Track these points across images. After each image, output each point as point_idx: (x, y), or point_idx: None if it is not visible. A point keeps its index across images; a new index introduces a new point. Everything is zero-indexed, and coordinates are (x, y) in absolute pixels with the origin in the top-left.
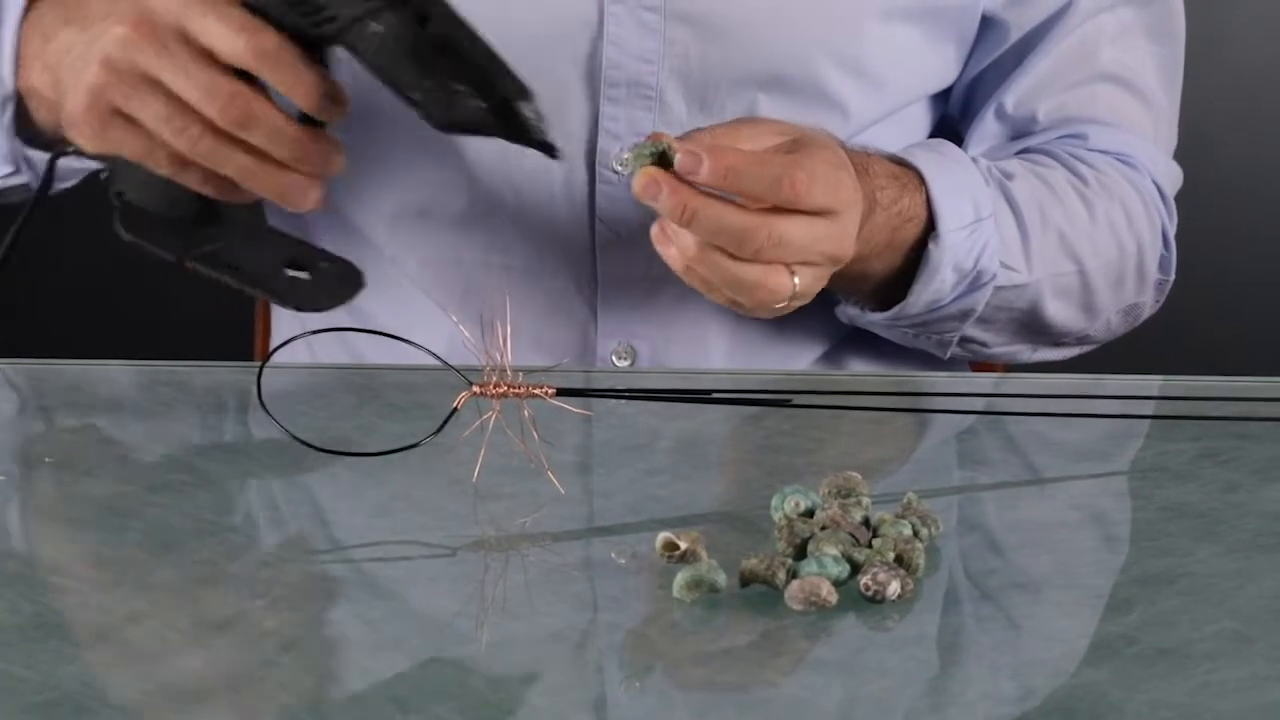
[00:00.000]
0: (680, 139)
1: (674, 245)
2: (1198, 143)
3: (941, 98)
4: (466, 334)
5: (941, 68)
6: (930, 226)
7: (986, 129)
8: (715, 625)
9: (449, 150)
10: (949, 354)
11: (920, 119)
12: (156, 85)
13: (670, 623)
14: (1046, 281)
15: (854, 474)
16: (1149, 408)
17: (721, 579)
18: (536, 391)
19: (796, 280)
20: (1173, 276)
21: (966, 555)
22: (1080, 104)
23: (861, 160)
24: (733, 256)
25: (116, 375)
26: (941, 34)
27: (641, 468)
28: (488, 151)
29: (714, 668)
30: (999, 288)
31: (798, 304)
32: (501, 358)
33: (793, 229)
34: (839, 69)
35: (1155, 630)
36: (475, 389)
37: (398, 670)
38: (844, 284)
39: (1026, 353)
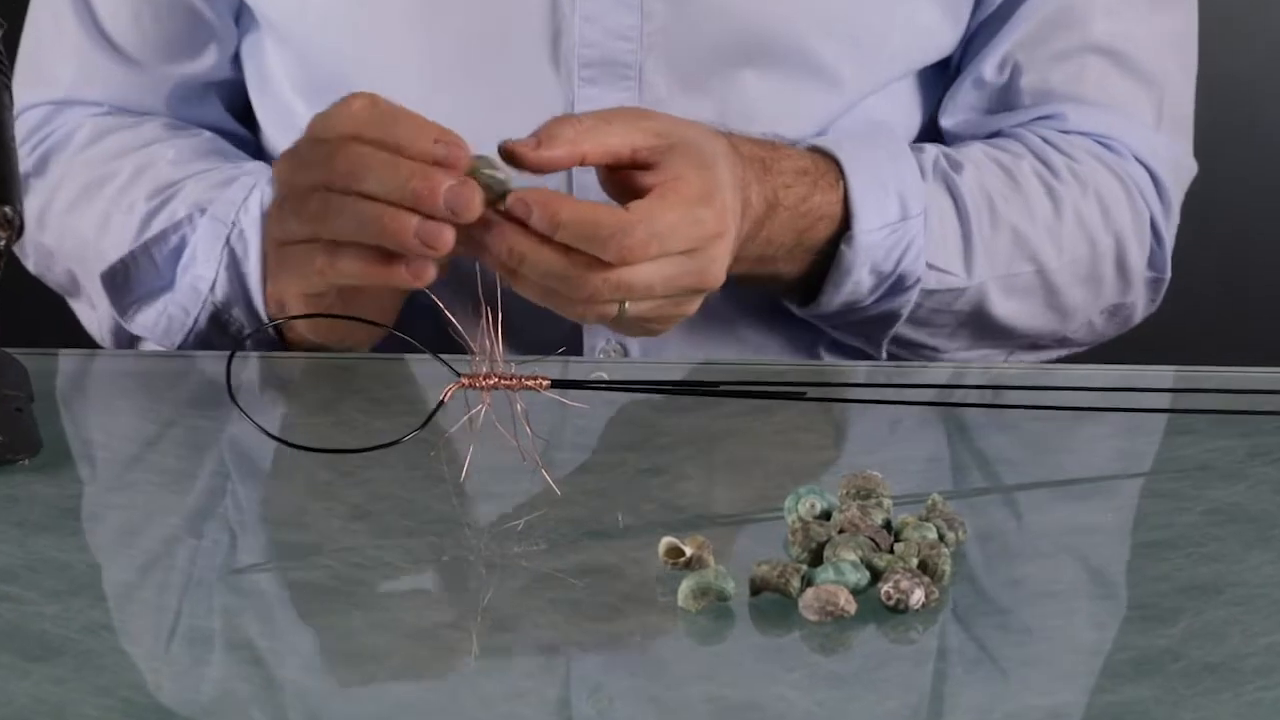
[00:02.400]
0: (542, 129)
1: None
2: (1244, 132)
3: (939, 72)
4: (455, 322)
5: (936, 34)
6: (846, 225)
7: (962, 99)
8: (724, 637)
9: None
10: (882, 355)
11: (912, 94)
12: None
13: (675, 634)
14: (994, 283)
15: (874, 473)
16: (1194, 401)
17: (730, 587)
18: (529, 383)
19: (628, 307)
20: (1168, 274)
21: (995, 561)
22: (1066, 79)
23: (765, 154)
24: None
25: (72, 365)
26: None
27: (643, 466)
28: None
29: (722, 682)
30: (930, 291)
31: (662, 329)
32: (491, 347)
33: (637, 274)
34: (830, 37)
35: (1202, 643)
36: (463, 380)
37: (381, 686)
38: (757, 283)
39: (999, 356)
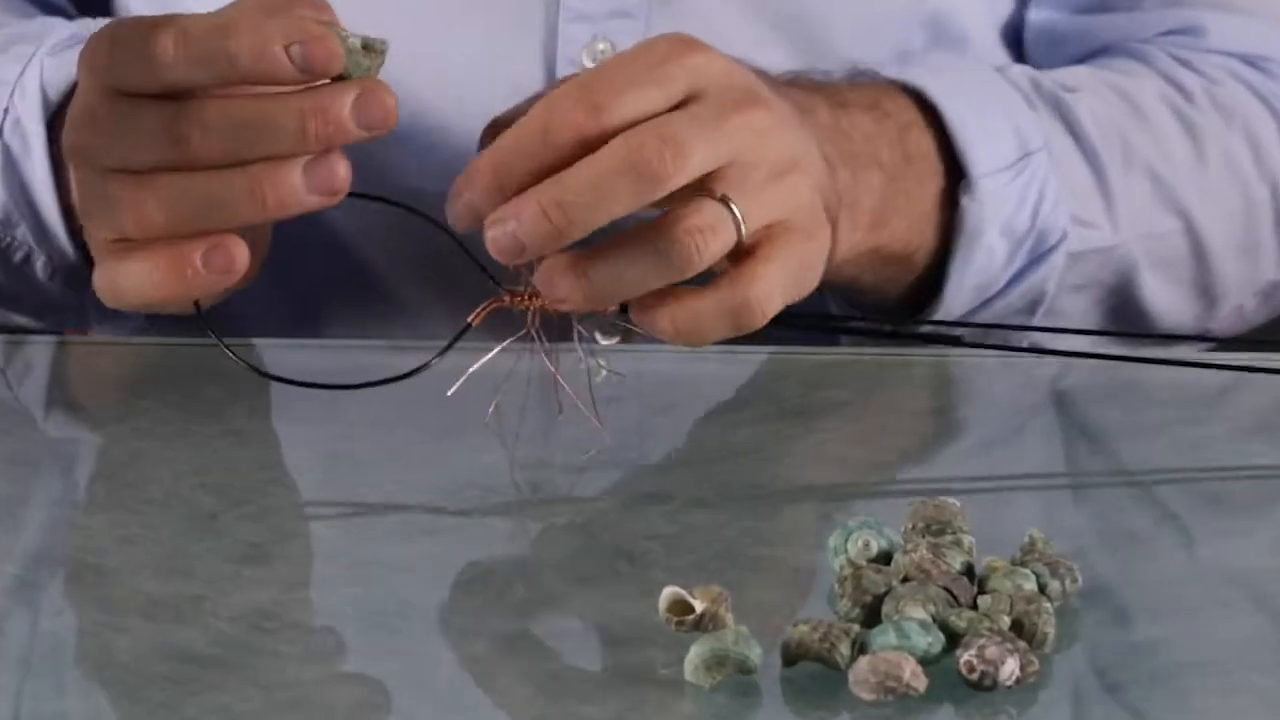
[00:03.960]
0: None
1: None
2: None
3: None
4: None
5: None
6: (956, 175)
7: None
8: None
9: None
10: None
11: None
12: None
13: (682, 717)
14: (1140, 245)
15: (950, 501)
16: None
17: (755, 654)
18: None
19: (737, 212)
20: None
21: (1118, 620)
22: None
23: (822, 92)
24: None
25: None
26: None
27: (640, 491)
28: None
29: None
30: (1074, 255)
31: (791, 287)
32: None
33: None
34: None
35: None
36: (505, 297)
37: None
38: (889, 274)
39: None
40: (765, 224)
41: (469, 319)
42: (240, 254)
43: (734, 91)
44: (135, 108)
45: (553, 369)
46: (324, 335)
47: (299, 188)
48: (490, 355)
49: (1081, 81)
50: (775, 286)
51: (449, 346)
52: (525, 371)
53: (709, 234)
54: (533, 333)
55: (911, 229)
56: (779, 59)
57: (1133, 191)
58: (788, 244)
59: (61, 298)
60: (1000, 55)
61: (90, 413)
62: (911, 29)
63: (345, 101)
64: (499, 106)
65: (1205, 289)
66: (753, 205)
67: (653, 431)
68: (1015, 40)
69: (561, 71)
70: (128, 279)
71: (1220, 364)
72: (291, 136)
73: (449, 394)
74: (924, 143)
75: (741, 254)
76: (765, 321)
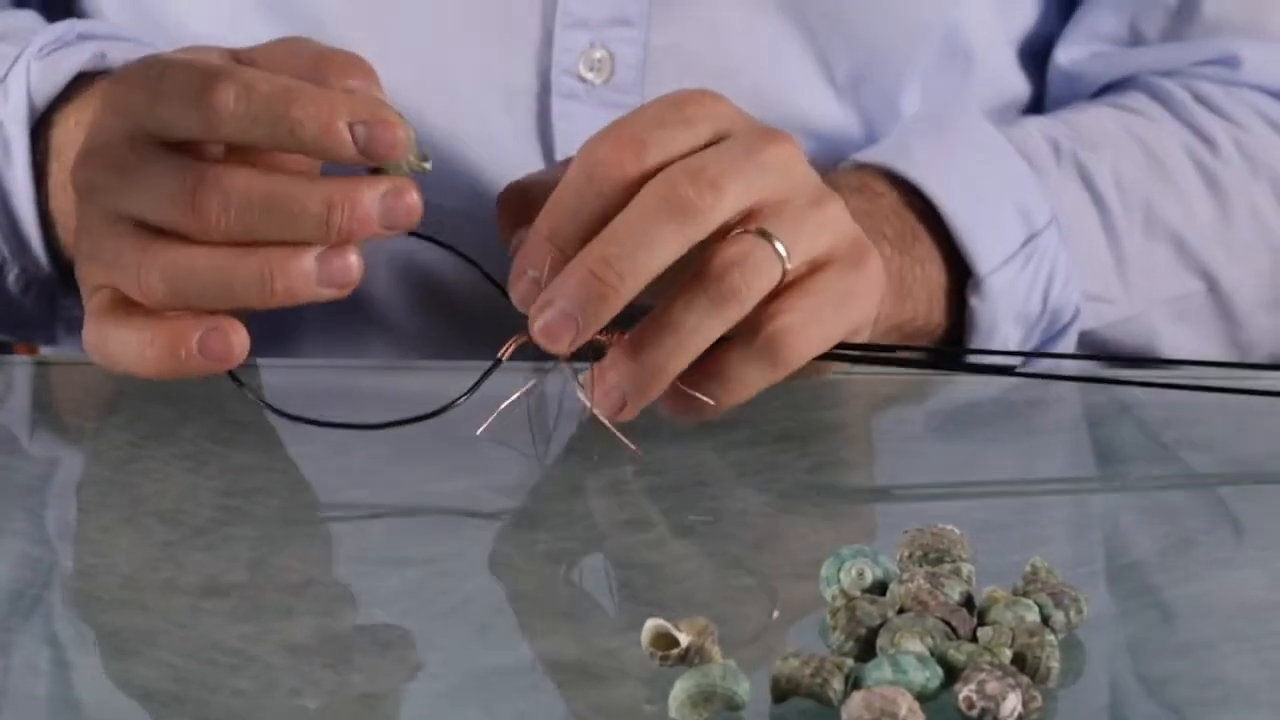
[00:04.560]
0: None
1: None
2: None
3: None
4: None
5: None
6: (960, 263)
7: (1098, 21)
8: None
9: None
10: None
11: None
12: None
13: None
14: (1160, 309)
15: (948, 528)
16: None
17: (744, 690)
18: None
19: (779, 246)
20: None
21: (1127, 654)
22: (1244, 2)
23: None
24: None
25: None
26: None
27: (621, 518)
28: (410, 81)
29: None
30: (1087, 333)
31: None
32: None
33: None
34: None
35: None
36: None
37: None
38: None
39: None
40: (809, 257)
41: (499, 354)
42: (239, 342)
43: (758, 130)
44: (157, 159)
45: (582, 396)
46: (297, 350)
47: (310, 278)
48: (515, 396)
49: (1104, 134)
50: (808, 319)
51: (478, 385)
52: (504, 395)
53: (750, 265)
54: (562, 363)
55: (931, 304)
56: (790, 66)
57: (1153, 257)
58: (828, 277)
59: (33, 312)
60: (1015, 76)
61: (37, 437)
62: (919, 45)
63: (375, 196)
64: (492, 114)
65: (1233, 343)
66: (794, 237)
67: (635, 456)
68: (1035, 59)
69: (557, 80)
70: (119, 347)
71: (1226, 387)
72: (313, 224)
73: (478, 433)
74: (921, 226)
75: (783, 290)
76: (803, 359)
